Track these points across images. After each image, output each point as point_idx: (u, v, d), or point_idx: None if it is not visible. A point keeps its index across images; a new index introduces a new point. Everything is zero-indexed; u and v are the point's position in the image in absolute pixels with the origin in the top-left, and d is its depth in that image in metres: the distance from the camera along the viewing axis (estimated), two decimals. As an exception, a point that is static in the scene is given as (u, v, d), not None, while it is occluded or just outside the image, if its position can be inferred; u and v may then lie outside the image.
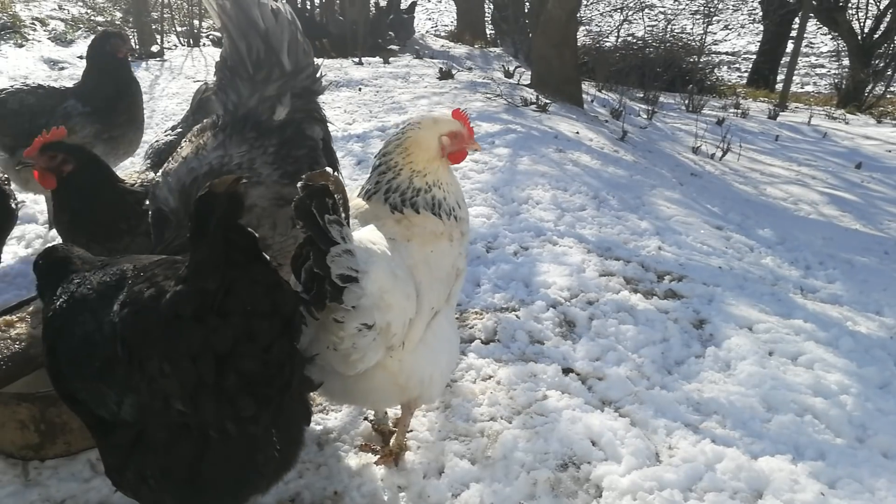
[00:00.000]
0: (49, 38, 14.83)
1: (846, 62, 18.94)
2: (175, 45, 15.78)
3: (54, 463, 3.06)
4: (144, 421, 2.11)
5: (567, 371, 3.91)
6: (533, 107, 9.69)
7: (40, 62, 12.98)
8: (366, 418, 3.44)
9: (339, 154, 4.22)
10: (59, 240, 4.41)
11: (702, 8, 20.99)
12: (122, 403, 2.11)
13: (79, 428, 2.89)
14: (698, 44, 16.60)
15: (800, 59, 17.75)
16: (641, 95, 13.27)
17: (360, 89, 10.89)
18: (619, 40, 16.65)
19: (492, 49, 18.96)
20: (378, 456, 3.17)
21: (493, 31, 22.52)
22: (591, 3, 20.11)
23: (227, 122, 3.32)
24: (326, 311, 2.41)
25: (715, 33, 21.53)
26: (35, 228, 5.42)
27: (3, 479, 2.97)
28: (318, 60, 3.63)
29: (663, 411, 3.60)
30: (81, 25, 16.19)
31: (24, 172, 4.22)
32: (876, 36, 17.81)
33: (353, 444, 3.28)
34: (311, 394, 2.71)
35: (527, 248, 5.26)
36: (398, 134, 2.91)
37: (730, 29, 26.79)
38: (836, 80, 18.53)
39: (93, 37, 5.85)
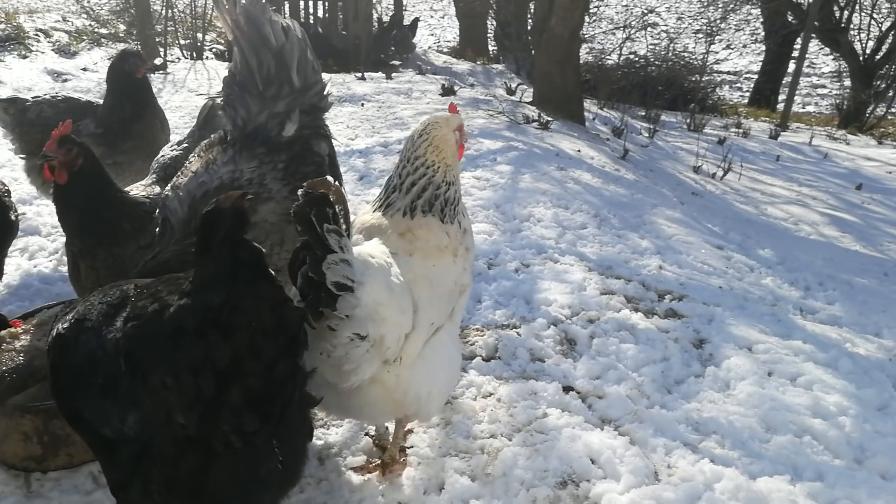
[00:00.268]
0: (53, 50, 14.90)
1: (848, 83, 19.00)
2: (178, 58, 15.87)
3: (56, 475, 3.08)
4: (149, 436, 2.12)
5: (567, 389, 3.92)
6: (535, 124, 9.73)
7: (44, 74, 13.03)
8: (367, 433, 3.46)
9: (341, 169, 4.25)
10: (63, 251, 4.45)
11: (704, 27, 21.05)
12: (126, 420, 2.13)
13: (81, 440, 2.91)
14: (700, 63, 16.70)
15: (801, 79, 17.81)
16: (643, 114, 13.33)
17: (362, 104, 10.94)
18: (622, 58, 16.70)
19: (494, 66, 19.03)
20: (370, 465, 3.20)
21: (495, 48, 22.60)
22: (594, 21, 20.19)
23: (237, 138, 3.35)
24: (322, 320, 2.44)
25: (717, 52, 21.64)
26: (38, 240, 5.45)
27: (6, 490, 2.99)
28: (326, 76, 3.68)
29: (663, 430, 3.61)
30: (85, 37, 16.28)
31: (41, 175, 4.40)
32: (877, 57, 17.88)
33: (354, 457, 3.30)
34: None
35: (528, 266, 5.29)
36: (423, 135, 2.95)
37: (732, 48, 26.89)
38: (838, 101, 18.58)
39: (112, 56, 5.97)
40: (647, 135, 11.62)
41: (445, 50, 23.14)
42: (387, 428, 3.41)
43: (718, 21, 20.73)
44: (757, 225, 7.58)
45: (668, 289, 5.16)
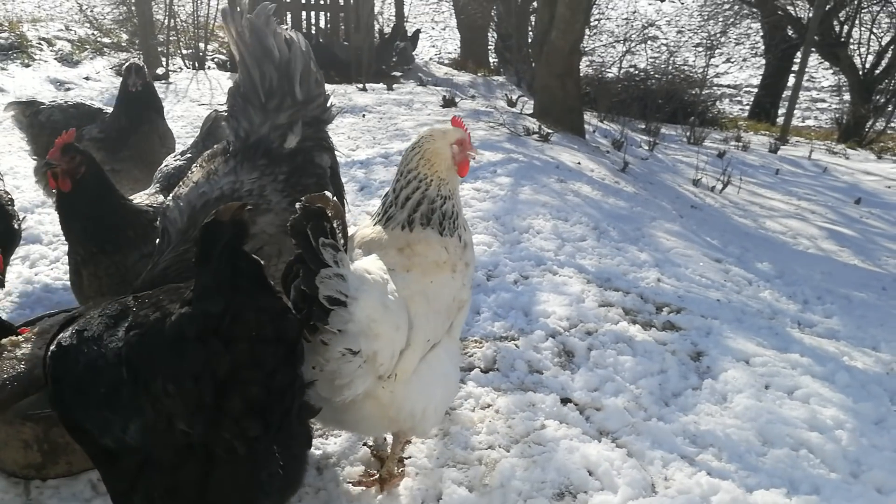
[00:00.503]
0: (55, 59, 14.97)
1: (847, 97, 19.07)
2: (180, 68, 15.93)
3: (56, 482, 3.09)
4: (151, 444, 2.14)
5: (565, 401, 3.94)
6: (535, 136, 9.77)
7: (46, 82, 13.09)
8: (365, 444, 3.47)
9: (342, 180, 4.27)
10: (64, 259, 4.47)
11: (704, 41, 21.13)
12: (127, 429, 2.15)
13: (81, 449, 2.92)
14: (700, 76, 16.73)
15: (801, 93, 17.87)
16: (643, 127, 13.38)
17: (363, 116, 10.98)
18: (622, 71, 16.77)
19: (495, 77, 19.10)
20: (367, 477, 3.20)
21: (496, 60, 22.69)
22: (594, 34, 20.25)
23: (239, 149, 3.37)
24: (316, 334, 2.45)
25: (717, 66, 21.72)
26: (39, 248, 5.47)
27: (5, 497, 3.00)
28: (328, 87, 3.70)
29: (660, 443, 3.62)
30: (88, 47, 16.35)
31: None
32: (877, 72, 17.96)
33: (352, 467, 3.32)
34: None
35: (527, 277, 5.31)
36: (415, 148, 2.95)
37: (732, 62, 26.98)
38: (837, 115, 18.66)
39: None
40: (646, 147, 11.67)
41: (447, 61, 23.22)
42: (385, 439, 3.43)
43: (718, 35, 20.82)
44: (755, 238, 7.61)
45: (666, 301, 5.18)
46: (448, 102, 12.28)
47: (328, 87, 3.70)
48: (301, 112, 3.46)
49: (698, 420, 3.84)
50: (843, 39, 17.91)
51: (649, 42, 19.19)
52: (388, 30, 20.71)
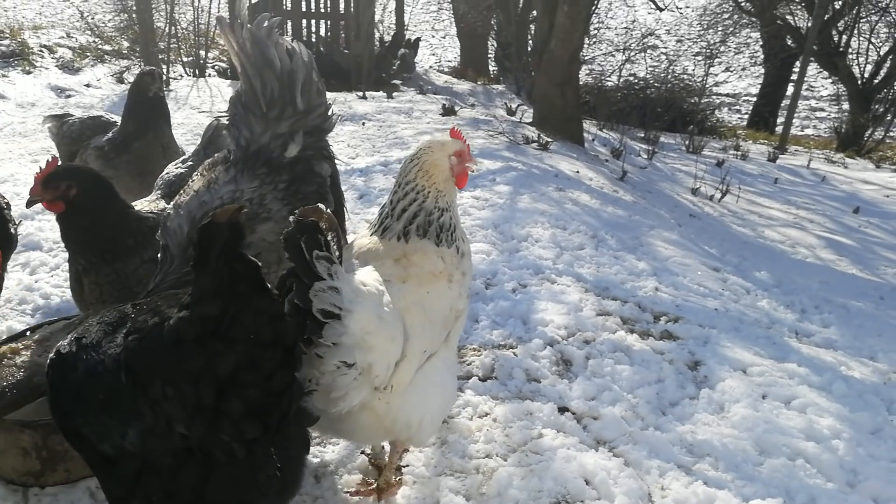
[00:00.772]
0: (57, 66, 15.02)
1: (846, 106, 19.15)
2: (181, 76, 15.98)
3: (54, 490, 3.10)
4: (149, 448, 2.16)
5: (563, 410, 3.94)
6: (534, 145, 9.79)
7: (47, 89, 13.14)
8: (363, 452, 3.48)
9: (342, 187, 4.29)
10: (64, 266, 4.48)
11: (704, 50, 21.22)
12: (126, 434, 2.16)
13: (80, 456, 2.93)
14: (699, 85, 16.80)
15: (800, 102, 17.94)
16: (642, 135, 13.41)
17: (363, 123, 11.00)
18: (621, 80, 16.82)
19: (494, 86, 19.17)
20: (365, 486, 3.21)
21: (496, 69, 22.77)
22: (594, 43, 20.32)
23: (239, 158, 3.39)
24: (311, 346, 2.45)
25: (716, 75, 21.76)
26: (39, 255, 5.48)
27: (4, 505, 3.01)
28: (329, 95, 3.72)
29: (657, 452, 3.63)
30: (89, 54, 16.40)
31: None
32: (876, 81, 18.05)
33: (350, 475, 3.32)
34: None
35: (525, 286, 5.32)
36: (413, 160, 2.94)
37: (731, 71, 27.05)
38: (836, 124, 18.74)
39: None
40: (645, 156, 11.69)
41: (446, 70, 23.30)
42: (383, 447, 3.44)
43: (718, 44, 20.94)
44: (754, 247, 7.62)
45: (663, 310, 5.19)
46: (448, 111, 12.31)
47: (328, 95, 3.71)
48: (302, 121, 3.48)
49: (695, 429, 3.85)
50: (841, 49, 18.01)
51: (649, 51, 19.24)
52: (388, 38, 20.79)
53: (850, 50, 18.18)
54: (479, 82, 19.84)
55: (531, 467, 3.43)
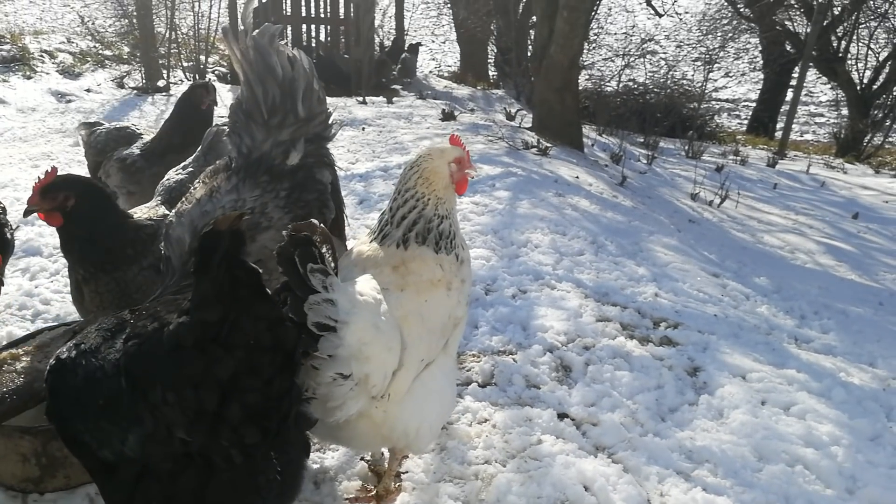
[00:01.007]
0: (57, 71, 15.04)
1: (845, 112, 19.17)
2: (181, 80, 16.00)
3: (53, 496, 3.10)
4: (149, 454, 2.16)
5: (562, 416, 3.95)
6: (534, 150, 9.81)
7: (48, 94, 13.16)
8: (362, 458, 3.48)
9: (342, 193, 4.29)
10: (64, 272, 4.49)
11: (703, 55, 21.27)
12: (126, 440, 2.16)
13: (79, 462, 2.93)
14: (699, 90, 16.81)
15: (799, 107, 17.96)
16: (642, 140, 13.41)
17: (363, 129, 11.02)
18: (621, 85, 16.84)
19: (494, 91, 19.20)
20: (364, 493, 3.21)
21: (495, 74, 22.80)
22: (593, 49, 20.34)
23: (241, 166, 3.39)
24: (308, 358, 2.44)
25: (715, 80, 21.77)
26: (39, 261, 5.49)
27: (3, 511, 3.01)
28: (329, 100, 3.72)
29: (656, 458, 3.63)
30: (89, 59, 16.44)
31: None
32: (875, 87, 18.07)
33: (349, 481, 3.33)
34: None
35: (525, 292, 5.32)
36: (413, 167, 2.94)
37: (730, 76, 27.09)
38: (835, 130, 18.74)
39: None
40: (645, 161, 11.70)
41: (446, 75, 23.33)
42: (382, 453, 3.44)
43: (717, 49, 20.96)
44: (753, 253, 7.63)
45: (663, 316, 5.19)
46: (447, 116, 12.33)
47: (329, 101, 3.72)
48: (303, 129, 3.48)
49: (694, 436, 3.85)
50: (840, 55, 18.04)
51: (648, 56, 19.24)
52: (388, 43, 20.82)
53: (849, 55, 18.21)
54: (478, 87, 19.87)
55: (530, 473, 3.44)
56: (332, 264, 2.46)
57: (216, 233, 2.03)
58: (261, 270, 2.08)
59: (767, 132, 19.49)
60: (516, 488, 3.33)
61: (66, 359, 2.36)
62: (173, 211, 3.38)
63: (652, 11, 22.44)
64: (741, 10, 19.84)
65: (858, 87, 18.18)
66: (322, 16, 18.63)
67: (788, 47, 19.32)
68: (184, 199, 3.39)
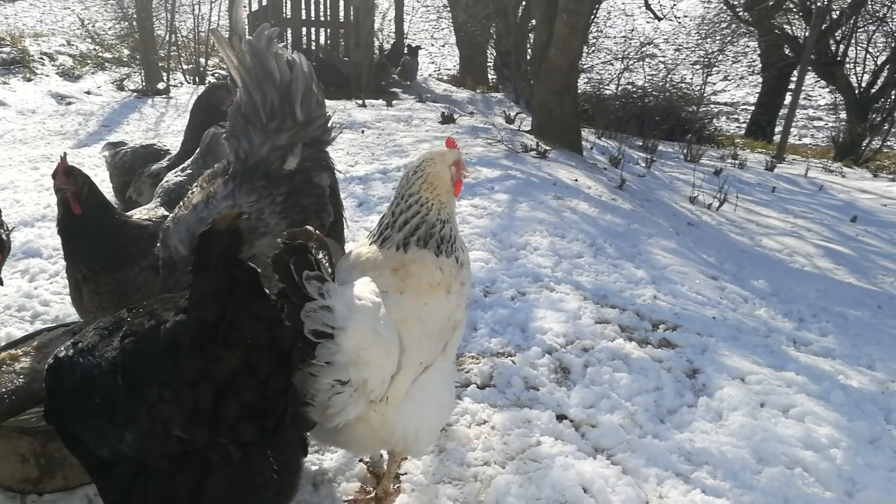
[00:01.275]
0: (57, 73, 15.05)
1: (843, 116, 19.21)
2: (181, 83, 16.02)
3: (52, 497, 3.10)
4: (146, 451, 2.17)
5: (561, 418, 3.95)
6: (533, 153, 9.81)
7: (48, 96, 13.16)
8: (361, 460, 3.48)
9: (341, 196, 4.29)
10: (64, 273, 4.48)
11: (702, 59, 21.28)
12: (123, 438, 2.16)
13: (78, 463, 2.93)
14: (697, 94, 16.83)
15: (798, 111, 17.98)
16: (640, 144, 13.42)
17: (362, 132, 11.03)
18: (620, 89, 16.85)
19: (493, 94, 19.22)
20: (363, 495, 3.21)
21: (495, 77, 22.83)
22: (592, 52, 20.38)
23: (238, 171, 3.37)
24: (305, 365, 2.44)
25: (714, 84, 21.79)
26: (38, 262, 5.49)
27: (2, 511, 3.01)
28: (329, 103, 3.71)
29: (655, 460, 3.63)
30: (89, 61, 16.45)
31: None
32: (873, 91, 18.10)
33: (348, 483, 3.33)
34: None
35: (524, 294, 5.33)
36: (417, 171, 2.92)
37: (729, 80, 27.10)
38: (834, 134, 18.78)
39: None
40: (644, 164, 11.71)
41: (446, 78, 23.38)
42: (381, 455, 3.44)
43: (716, 53, 20.98)
44: (752, 256, 7.63)
45: (662, 318, 5.20)
46: (447, 119, 12.34)
47: (328, 104, 3.71)
48: (302, 133, 3.46)
49: (693, 438, 3.85)
50: (839, 58, 18.08)
51: (647, 60, 19.30)
52: (387, 46, 20.85)
53: (847, 59, 18.25)
54: (478, 90, 19.90)
55: (529, 475, 3.44)
56: (329, 270, 2.45)
57: (214, 232, 2.03)
58: (259, 270, 2.09)
59: (766, 136, 19.51)
60: (515, 490, 3.32)
61: (64, 357, 2.36)
62: (170, 216, 3.38)
63: (651, 15, 22.46)
64: (740, 13, 19.89)
65: (857, 91, 18.22)
66: (322, 19, 18.69)
67: (787, 51, 19.36)
68: (181, 204, 3.37)
